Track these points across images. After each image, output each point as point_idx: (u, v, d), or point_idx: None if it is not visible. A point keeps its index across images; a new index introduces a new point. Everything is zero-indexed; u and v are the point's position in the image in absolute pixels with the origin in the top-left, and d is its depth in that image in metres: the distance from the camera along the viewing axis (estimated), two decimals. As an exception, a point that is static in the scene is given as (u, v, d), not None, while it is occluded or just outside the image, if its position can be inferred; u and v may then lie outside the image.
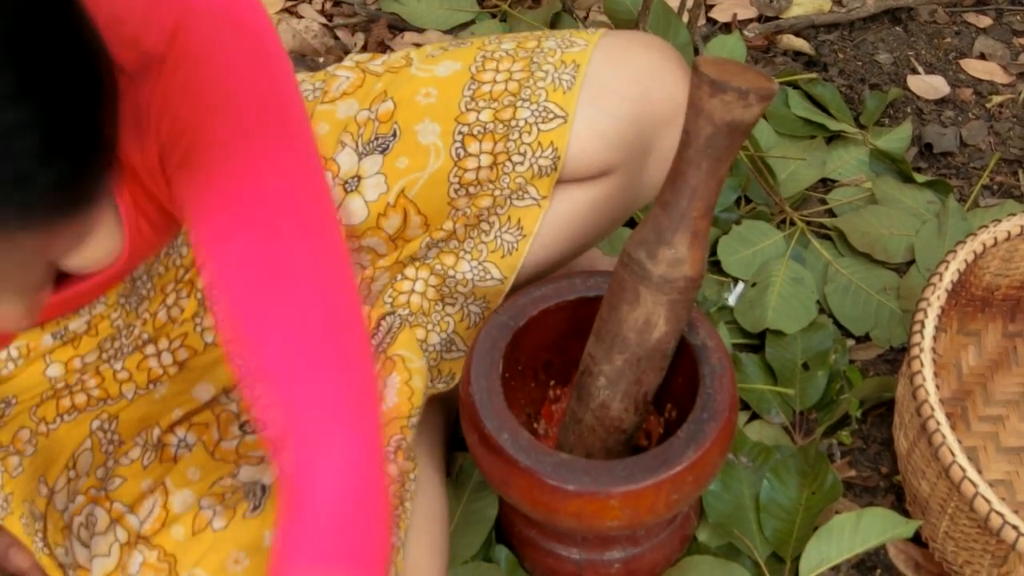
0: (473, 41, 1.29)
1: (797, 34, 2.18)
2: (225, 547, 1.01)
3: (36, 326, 1.04)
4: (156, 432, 1.10)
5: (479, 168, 1.22)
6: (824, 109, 1.98)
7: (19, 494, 1.10)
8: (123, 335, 1.11)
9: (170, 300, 1.13)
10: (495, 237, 1.27)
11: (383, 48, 2.14)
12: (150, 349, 1.14)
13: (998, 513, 1.20)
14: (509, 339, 1.21)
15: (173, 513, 1.05)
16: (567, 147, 1.20)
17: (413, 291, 1.28)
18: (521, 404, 1.33)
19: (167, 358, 1.15)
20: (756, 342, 1.65)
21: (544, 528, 1.30)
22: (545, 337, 1.28)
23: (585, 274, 1.27)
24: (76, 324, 1.07)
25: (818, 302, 1.69)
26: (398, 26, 2.20)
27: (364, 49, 2.16)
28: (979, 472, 1.24)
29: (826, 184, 1.91)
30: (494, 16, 2.14)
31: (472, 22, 2.13)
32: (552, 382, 1.36)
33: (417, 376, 1.17)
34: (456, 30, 2.13)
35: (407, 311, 1.27)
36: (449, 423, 1.43)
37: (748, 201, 1.86)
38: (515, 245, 1.27)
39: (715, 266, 1.74)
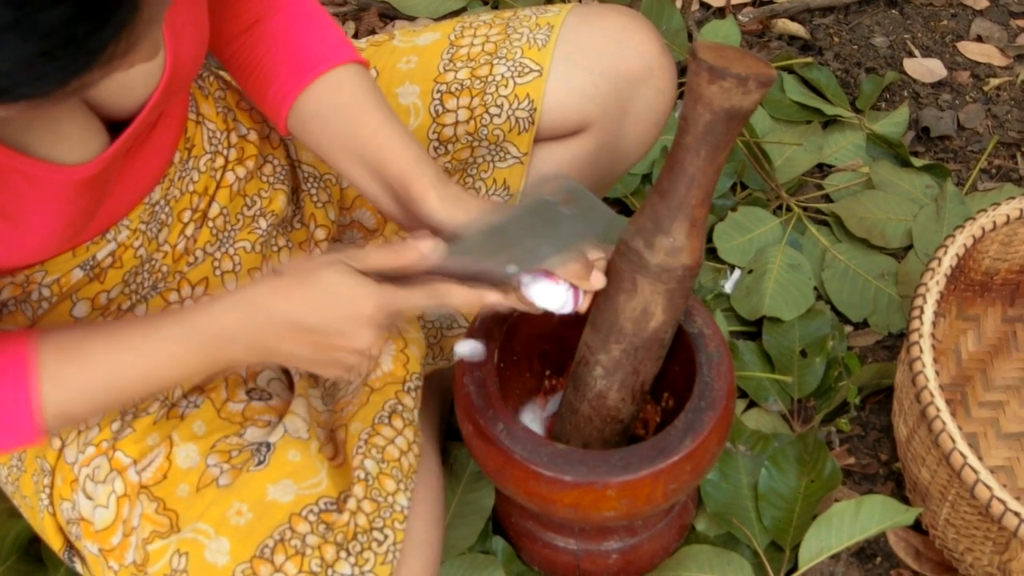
0: (455, 18, 1.34)
1: (792, 18, 2.16)
2: (228, 499, 1.02)
3: (76, 244, 1.06)
4: (177, 392, 1.11)
5: (457, 123, 1.26)
6: (820, 94, 1.97)
7: (32, 450, 1.11)
8: (145, 269, 1.13)
9: (188, 231, 1.15)
10: None
11: (374, 35, 2.13)
12: (173, 296, 1.15)
13: (1000, 500, 1.19)
14: (504, 329, 1.20)
15: (176, 467, 1.05)
16: (543, 99, 1.25)
17: None
18: (517, 394, 1.32)
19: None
20: (753, 329, 1.64)
21: (541, 519, 1.29)
22: (541, 327, 1.26)
23: (581, 262, 1.26)
24: (103, 253, 1.08)
25: (815, 288, 1.68)
26: (389, 14, 2.18)
27: (355, 38, 2.14)
28: (980, 458, 1.23)
29: (822, 169, 1.90)
30: (485, 3, 2.12)
31: (463, 10, 2.11)
32: (548, 372, 1.35)
33: (413, 345, 1.19)
34: (447, 18, 2.11)
35: None
36: (445, 403, 1.44)
37: (744, 187, 1.84)
38: None
39: (711, 253, 1.73)
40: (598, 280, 1.04)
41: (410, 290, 0.97)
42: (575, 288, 1.04)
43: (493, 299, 1.00)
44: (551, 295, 1.03)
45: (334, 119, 1.10)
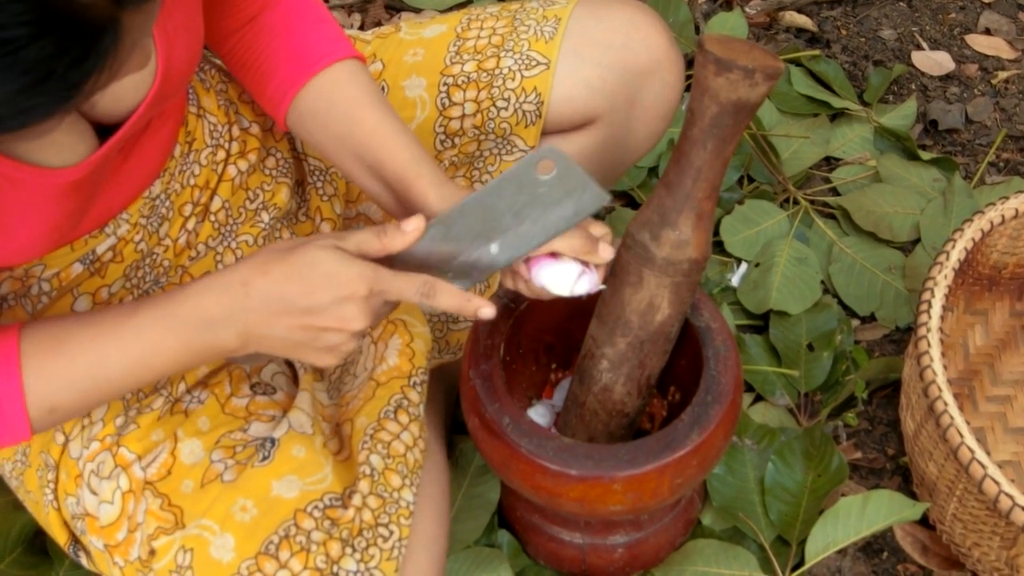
0: (461, 10, 1.33)
1: (799, 11, 2.16)
2: (232, 495, 1.02)
3: (67, 243, 1.05)
4: (181, 387, 1.11)
5: (463, 116, 1.26)
6: (827, 86, 1.96)
7: (36, 445, 1.10)
8: (147, 263, 1.12)
9: (190, 224, 1.14)
10: None
11: (380, 28, 2.12)
12: None
13: (1007, 495, 1.18)
14: (510, 322, 1.19)
15: (181, 463, 1.05)
16: (550, 92, 1.24)
17: None
18: (522, 387, 1.32)
19: None
20: (760, 323, 1.64)
21: (547, 513, 1.29)
22: (547, 320, 1.26)
23: (587, 256, 1.26)
24: (103, 248, 1.08)
25: (822, 282, 1.67)
26: (395, 7, 2.17)
27: (361, 30, 2.14)
28: (987, 453, 1.22)
29: (830, 162, 1.89)
30: (492, -5, 2.12)
31: (470, 2, 2.11)
32: (554, 365, 1.35)
33: (419, 339, 1.19)
34: (453, 10, 2.11)
35: None
36: (450, 396, 1.44)
37: (751, 180, 1.84)
38: None
39: (718, 246, 1.72)
40: (607, 251, 1.01)
41: (401, 277, 0.94)
42: (586, 264, 1.02)
43: (487, 314, 0.97)
44: (562, 276, 1.01)
45: (332, 118, 1.09)
